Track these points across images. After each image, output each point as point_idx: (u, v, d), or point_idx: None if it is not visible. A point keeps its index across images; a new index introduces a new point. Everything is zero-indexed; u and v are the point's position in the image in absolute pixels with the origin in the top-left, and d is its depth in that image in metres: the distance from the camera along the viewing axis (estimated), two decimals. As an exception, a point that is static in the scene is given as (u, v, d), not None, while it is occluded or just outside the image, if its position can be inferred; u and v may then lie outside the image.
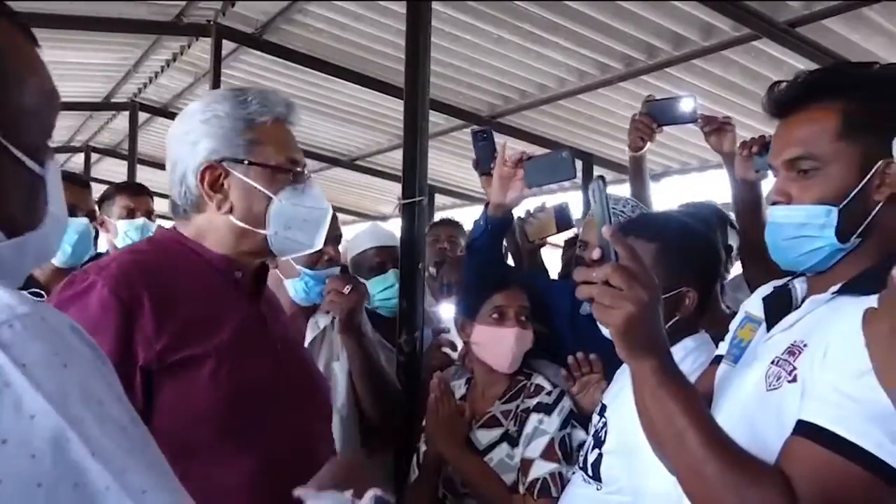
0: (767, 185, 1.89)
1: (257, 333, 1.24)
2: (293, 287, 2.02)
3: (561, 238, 2.89)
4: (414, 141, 2.36)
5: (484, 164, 2.19)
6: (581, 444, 1.83)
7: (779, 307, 1.19)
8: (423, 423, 2.00)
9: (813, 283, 1.14)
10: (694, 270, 1.54)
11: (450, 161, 6.35)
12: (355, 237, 2.70)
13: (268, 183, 1.21)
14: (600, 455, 1.49)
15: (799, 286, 1.18)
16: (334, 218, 2.04)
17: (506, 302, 1.92)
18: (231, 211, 1.21)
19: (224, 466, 1.13)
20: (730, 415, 1.12)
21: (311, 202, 1.27)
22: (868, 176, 1.03)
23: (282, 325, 1.35)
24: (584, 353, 1.92)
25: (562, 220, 2.35)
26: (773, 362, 1.05)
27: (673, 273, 1.50)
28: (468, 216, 8.23)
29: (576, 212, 2.58)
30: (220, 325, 1.18)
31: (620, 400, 1.60)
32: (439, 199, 7.82)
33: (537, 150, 2.04)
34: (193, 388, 1.12)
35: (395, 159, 6.61)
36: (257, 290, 1.30)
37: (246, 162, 1.20)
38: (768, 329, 1.17)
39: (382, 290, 2.47)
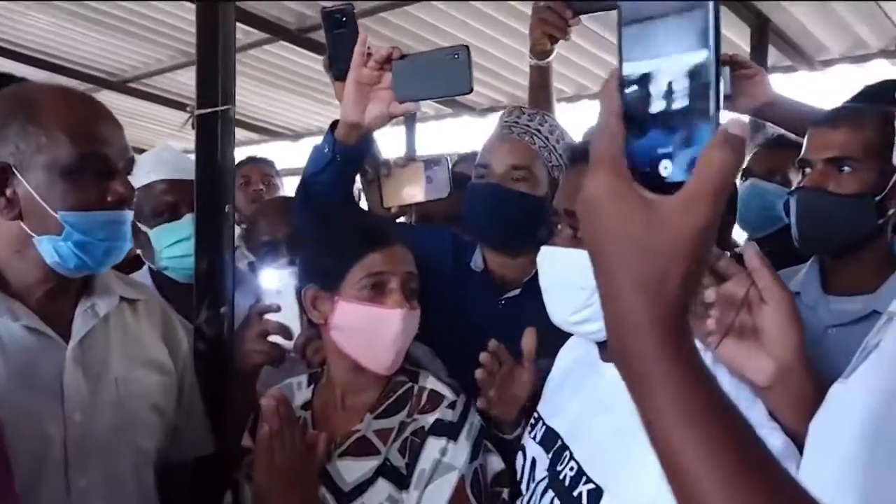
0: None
1: None
2: (44, 246, 1.17)
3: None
4: (213, 21, 1.57)
5: (339, 63, 1.47)
6: (497, 477, 1.23)
7: None
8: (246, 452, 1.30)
9: None
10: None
11: (248, 86, 5.38)
12: (137, 165, 1.87)
13: None
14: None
15: None
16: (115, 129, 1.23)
17: (387, 266, 1.26)
18: None
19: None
20: (829, 481, 0.66)
21: None
22: None
23: None
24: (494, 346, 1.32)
25: (435, 182, 1.60)
26: None
27: None
28: (272, 154, 7.29)
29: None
30: None
31: (595, 429, 1.02)
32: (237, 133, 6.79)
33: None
34: None
35: (179, 82, 5.52)
36: None
37: None
38: None
39: (174, 242, 1.71)
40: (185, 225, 1.68)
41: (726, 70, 1.61)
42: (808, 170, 1.41)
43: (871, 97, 1.53)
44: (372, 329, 1.26)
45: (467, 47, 1.31)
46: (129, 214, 1.24)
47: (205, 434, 1.46)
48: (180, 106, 5.99)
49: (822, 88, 4.09)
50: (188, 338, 1.50)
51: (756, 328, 0.85)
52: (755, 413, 0.90)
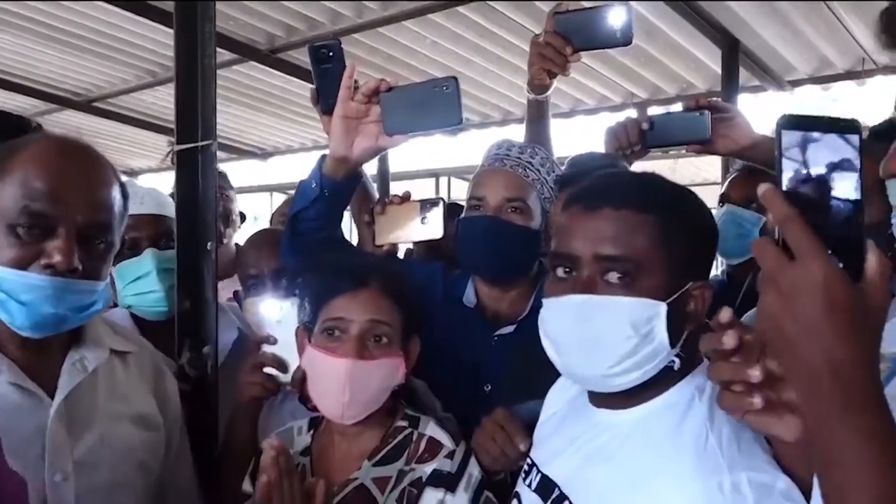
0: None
1: None
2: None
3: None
4: (192, 52, 1.54)
5: (326, 97, 1.45)
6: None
7: None
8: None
9: None
10: (701, 257, 1.05)
11: (218, 106, 5.31)
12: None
13: None
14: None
15: None
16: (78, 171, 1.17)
17: (347, 313, 1.22)
18: None
19: None
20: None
21: None
22: None
23: None
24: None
25: (430, 222, 1.54)
26: None
27: (677, 262, 0.99)
28: (241, 173, 7.18)
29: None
30: None
31: (596, 480, 1.00)
32: (202, 151, 6.69)
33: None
34: None
35: (145, 101, 5.42)
36: None
37: None
38: None
39: (136, 279, 1.65)
40: (146, 260, 1.62)
41: (706, 115, 1.63)
42: None
43: (877, 135, 1.54)
44: (323, 377, 1.24)
45: (456, 79, 1.28)
46: (66, 283, 1.09)
47: (191, 491, 1.40)
48: (146, 125, 5.89)
49: (788, 108, 4.14)
50: None
51: (779, 399, 0.74)
52: (758, 456, 0.89)
